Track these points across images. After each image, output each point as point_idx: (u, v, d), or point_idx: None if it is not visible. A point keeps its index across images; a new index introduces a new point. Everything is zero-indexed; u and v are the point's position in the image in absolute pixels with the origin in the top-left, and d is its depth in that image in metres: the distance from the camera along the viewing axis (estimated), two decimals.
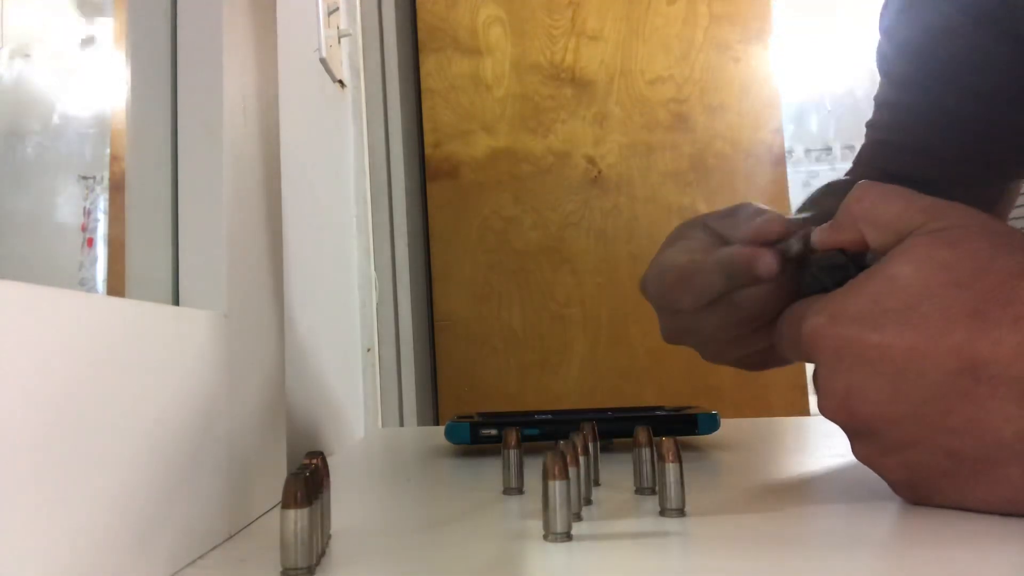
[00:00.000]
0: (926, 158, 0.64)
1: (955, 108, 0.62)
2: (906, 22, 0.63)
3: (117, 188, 0.48)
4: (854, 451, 0.36)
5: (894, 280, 0.33)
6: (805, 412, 1.37)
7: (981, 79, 0.60)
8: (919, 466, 0.33)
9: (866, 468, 0.36)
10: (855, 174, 0.67)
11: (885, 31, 0.65)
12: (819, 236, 0.38)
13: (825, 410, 0.35)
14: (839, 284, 0.35)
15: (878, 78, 0.69)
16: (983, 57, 0.59)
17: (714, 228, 0.47)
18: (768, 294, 0.41)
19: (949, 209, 0.34)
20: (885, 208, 0.35)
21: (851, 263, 0.37)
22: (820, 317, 0.34)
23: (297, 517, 0.26)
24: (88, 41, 0.52)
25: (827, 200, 0.58)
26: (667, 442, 0.34)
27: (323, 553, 0.30)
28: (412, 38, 1.43)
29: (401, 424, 1.13)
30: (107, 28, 0.52)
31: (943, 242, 0.33)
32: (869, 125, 0.69)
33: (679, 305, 0.44)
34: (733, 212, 0.46)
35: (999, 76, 0.59)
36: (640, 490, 0.40)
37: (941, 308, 0.31)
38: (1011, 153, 0.65)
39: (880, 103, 0.68)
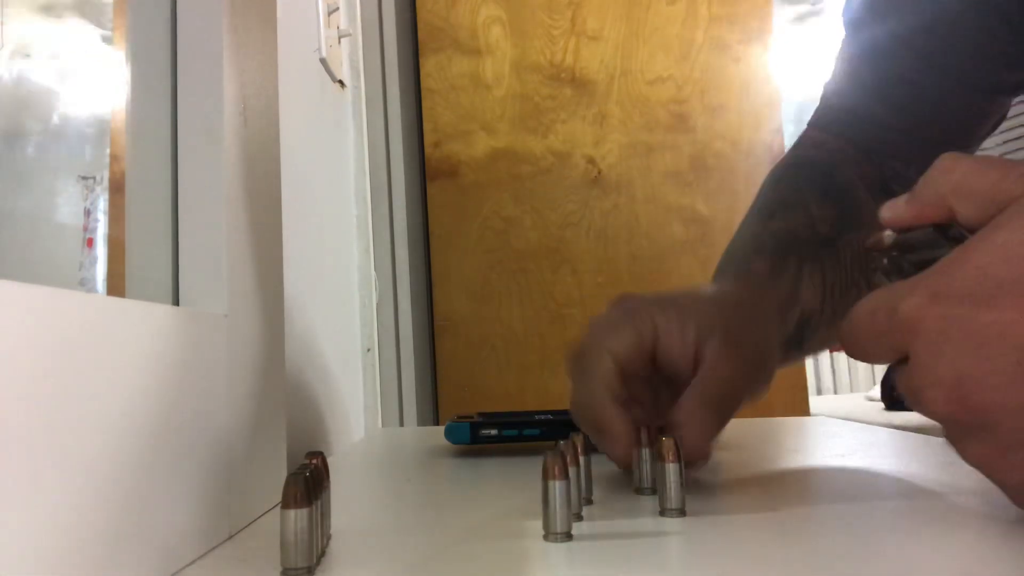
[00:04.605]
0: (886, 130, 0.63)
1: (920, 81, 0.61)
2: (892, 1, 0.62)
3: (117, 188, 0.48)
4: (964, 452, 0.31)
5: (1006, 248, 0.29)
6: (805, 412, 1.37)
7: (957, 57, 0.59)
8: None
9: (865, 469, 0.36)
10: (808, 156, 0.66)
11: (867, 6, 0.64)
12: (894, 213, 0.35)
13: (932, 403, 0.30)
14: (922, 267, 0.31)
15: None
16: (962, 35, 0.59)
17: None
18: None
19: None
20: (979, 178, 0.32)
21: (943, 239, 0.32)
22: (917, 298, 0.30)
23: (297, 517, 0.26)
24: (88, 41, 0.52)
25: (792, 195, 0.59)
26: (667, 442, 0.34)
27: (323, 553, 0.30)
28: (412, 38, 1.43)
29: (401, 424, 1.13)
30: (107, 28, 0.52)
31: None
32: (827, 88, 0.68)
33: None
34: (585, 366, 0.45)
35: (974, 55, 0.59)
36: (640, 490, 0.40)
37: None
38: (969, 136, 0.64)
39: (842, 67, 0.66)
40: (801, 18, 3.39)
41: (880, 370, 3.52)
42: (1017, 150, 1.07)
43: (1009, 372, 0.28)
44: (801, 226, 0.57)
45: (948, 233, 0.33)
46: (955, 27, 0.59)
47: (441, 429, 0.61)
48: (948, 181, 0.33)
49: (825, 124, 0.66)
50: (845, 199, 0.59)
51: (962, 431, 0.30)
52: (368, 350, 1.05)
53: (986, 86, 0.61)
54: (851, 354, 0.35)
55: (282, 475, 0.42)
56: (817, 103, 0.67)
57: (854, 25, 0.65)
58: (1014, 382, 0.28)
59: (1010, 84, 0.61)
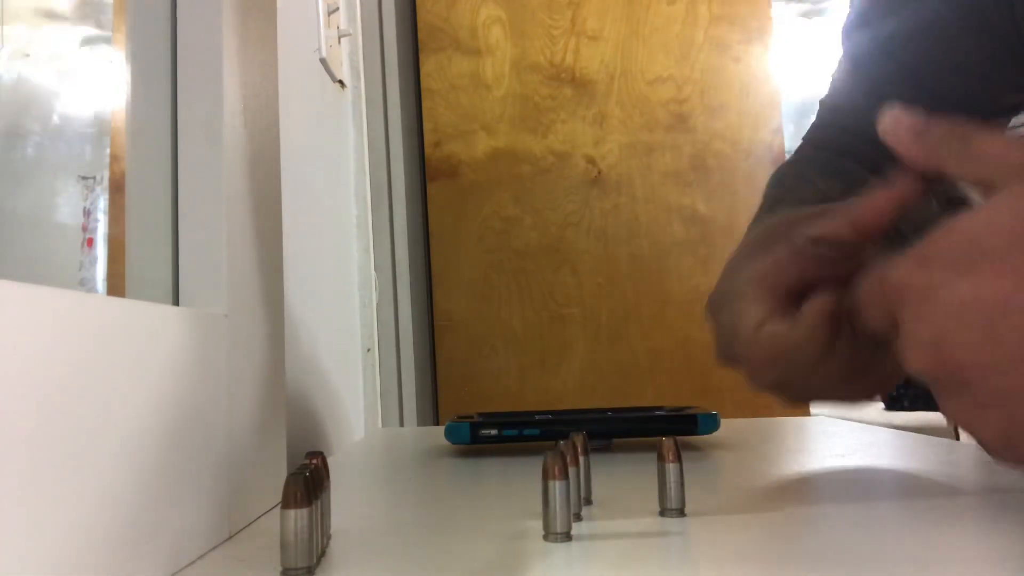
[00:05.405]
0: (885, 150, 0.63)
1: (914, 99, 0.61)
2: (892, 21, 0.62)
3: (117, 188, 0.48)
4: (943, 407, 0.32)
5: (992, 220, 0.30)
6: (805, 412, 1.37)
7: (957, 81, 0.59)
8: (1022, 419, 0.30)
9: (865, 469, 0.36)
10: (807, 154, 0.65)
11: (867, 24, 0.64)
12: (901, 184, 0.36)
13: (914, 361, 0.32)
14: None
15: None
16: (962, 59, 0.59)
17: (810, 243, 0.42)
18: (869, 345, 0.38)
19: None
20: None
21: (945, 212, 0.34)
22: (906, 264, 0.32)
23: (297, 517, 0.26)
24: (88, 41, 0.52)
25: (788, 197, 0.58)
26: (667, 442, 0.34)
27: (323, 553, 0.30)
28: (412, 38, 1.43)
29: (401, 424, 1.13)
30: (107, 28, 0.52)
31: None
32: (824, 104, 0.67)
33: (769, 378, 0.40)
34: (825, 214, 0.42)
35: (974, 79, 0.59)
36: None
37: None
38: None
39: (840, 84, 0.66)
40: (802, 17, 3.39)
41: None
42: None
43: (985, 332, 0.29)
44: (810, 197, 0.56)
45: (949, 197, 0.34)
46: (951, 49, 0.59)
47: (441, 429, 0.61)
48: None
49: (821, 142, 0.66)
50: (850, 175, 0.59)
51: (944, 389, 0.32)
52: (368, 350, 1.05)
53: (984, 109, 0.61)
54: (860, 327, 0.36)
55: (282, 475, 0.42)
56: (816, 103, 0.67)
57: (848, 40, 0.65)
58: (987, 341, 0.29)
59: (1007, 107, 0.61)
